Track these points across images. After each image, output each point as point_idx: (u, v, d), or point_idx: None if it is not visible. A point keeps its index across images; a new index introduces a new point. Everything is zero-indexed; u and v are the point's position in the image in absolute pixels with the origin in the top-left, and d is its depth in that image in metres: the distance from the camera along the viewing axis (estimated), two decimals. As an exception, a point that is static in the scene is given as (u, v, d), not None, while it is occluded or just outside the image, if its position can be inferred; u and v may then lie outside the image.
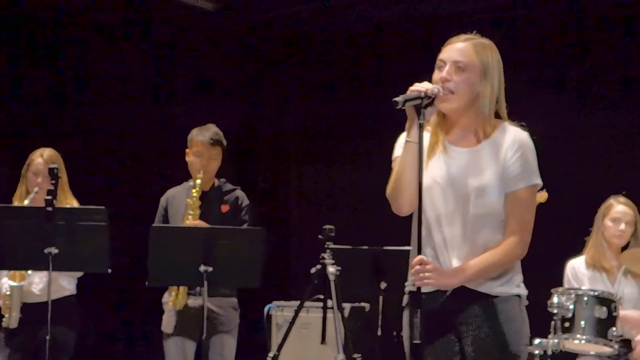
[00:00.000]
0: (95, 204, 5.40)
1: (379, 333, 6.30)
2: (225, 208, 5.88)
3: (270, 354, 5.77)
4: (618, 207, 6.15)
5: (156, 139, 8.27)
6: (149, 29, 8.35)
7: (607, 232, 6.15)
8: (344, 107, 8.80)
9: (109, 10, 7.96)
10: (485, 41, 3.75)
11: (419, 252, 3.56)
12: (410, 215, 3.70)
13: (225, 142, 5.92)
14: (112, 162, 8.10)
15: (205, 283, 5.23)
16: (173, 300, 5.72)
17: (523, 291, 3.73)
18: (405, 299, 3.77)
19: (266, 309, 7.18)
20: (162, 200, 5.97)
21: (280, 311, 7.17)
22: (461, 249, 3.64)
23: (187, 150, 5.91)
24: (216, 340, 5.72)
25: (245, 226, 5.79)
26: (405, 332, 3.73)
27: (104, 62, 8.11)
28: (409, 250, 3.78)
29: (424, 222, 3.63)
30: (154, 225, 5.74)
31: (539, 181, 3.69)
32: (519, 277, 3.72)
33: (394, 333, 6.05)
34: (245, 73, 9.02)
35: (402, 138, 3.71)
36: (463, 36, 3.74)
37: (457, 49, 3.69)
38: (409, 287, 3.73)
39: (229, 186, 5.96)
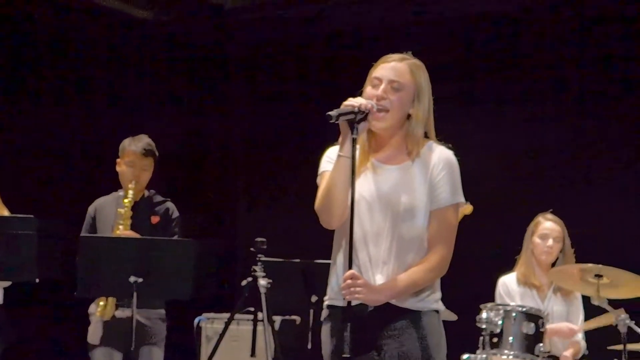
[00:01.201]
0: (26, 213, 5.32)
1: (309, 346, 6.29)
2: (155, 219, 5.84)
3: (199, 367, 5.74)
4: (545, 223, 6.23)
5: (88, 148, 8.18)
6: (85, 35, 8.26)
7: (535, 249, 6.22)
8: (290, 118, 8.79)
9: (49, 15, 7.86)
10: (418, 62, 3.81)
11: (350, 266, 3.57)
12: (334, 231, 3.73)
13: (157, 153, 5.89)
14: (43, 171, 7.99)
15: (135, 294, 5.18)
16: (101, 310, 5.65)
17: (441, 307, 3.80)
18: (324, 313, 3.80)
19: (196, 320, 7.13)
20: (90, 209, 5.90)
21: (210, 323, 7.13)
22: (386, 265, 3.67)
23: (118, 160, 5.86)
24: (143, 352, 5.66)
25: (175, 238, 5.75)
26: (325, 347, 3.76)
27: (39, 70, 8.00)
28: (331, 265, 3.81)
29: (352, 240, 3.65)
30: (81, 235, 5.67)
31: (462, 200, 3.77)
32: (437, 294, 3.78)
33: (324, 347, 6.05)
34: (191, 83, 8.97)
35: (329, 152, 3.75)
36: (398, 55, 3.79)
37: (393, 69, 3.73)
38: (328, 301, 3.76)
39: (159, 197, 5.93)
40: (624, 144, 7.64)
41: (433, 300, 3.75)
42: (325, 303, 3.82)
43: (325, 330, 3.79)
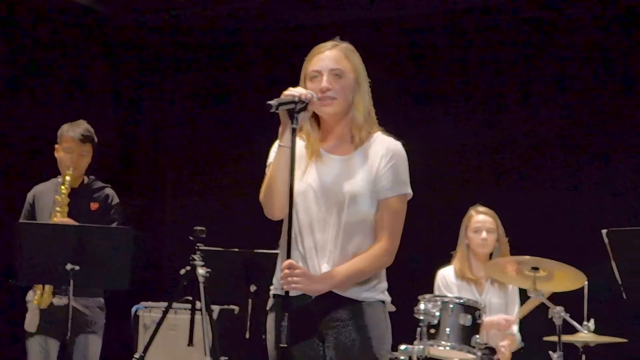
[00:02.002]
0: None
1: (247, 336, 6.28)
2: (94, 206, 5.79)
3: (136, 355, 5.69)
4: (478, 217, 6.28)
5: (26, 135, 8.08)
6: (23, 22, 8.15)
7: (471, 243, 6.27)
8: (219, 110, 8.77)
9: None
10: (350, 46, 3.80)
11: (288, 256, 3.56)
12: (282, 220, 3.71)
13: (96, 139, 5.83)
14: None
15: (71, 282, 5.13)
16: (38, 298, 5.60)
17: (387, 297, 3.78)
18: (270, 302, 3.79)
19: (134, 309, 7.08)
20: (29, 196, 5.84)
21: (147, 312, 7.08)
22: (332, 254, 3.66)
23: (56, 146, 5.80)
24: (81, 340, 5.63)
25: (114, 225, 5.71)
26: (270, 336, 3.74)
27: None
28: (278, 254, 3.79)
29: (296, 226, 3.66)
30: (19, 221, 5.61)
31: (409, 191, 3.76)
32: (383, 284, 3.77)
33: (263, 336, 6.01)
34: (123, 74, 8.89)
35: (277, 144, 3.72)
36: (329, 43, 3.78)
37: (330, 57, 3.73)
38: (274, 290, 3.75)
39: (98, 184, 5.87)
40: (556, 140, 7.73)
41: (379, 291, 3.74)
42: (271, 292, 3.79)
43: (270, 319, 3.77)
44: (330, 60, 3.71)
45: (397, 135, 3.80)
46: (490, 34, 7.95)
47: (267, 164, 3.77)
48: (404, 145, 3.77)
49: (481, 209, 6.32)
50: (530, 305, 6.11)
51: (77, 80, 8.55)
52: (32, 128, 7.99)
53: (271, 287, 3.80)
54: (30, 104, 8.15)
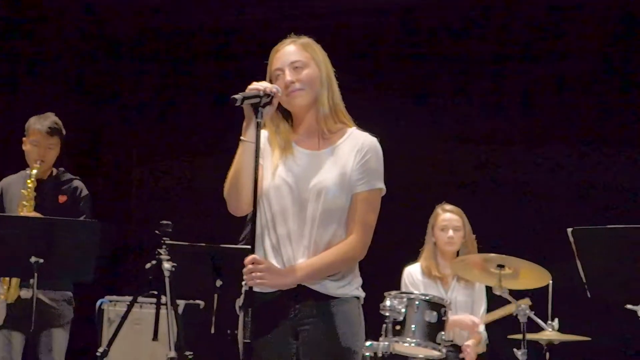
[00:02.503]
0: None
1: (213, 331, 6.27)
2: (62, 198, 5.77)
3: (100, 349, 5.68)
4: (444, 215, 6.30)
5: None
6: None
7: (438, 241, 6.29)
8: (185, 104, 8.73)
9: None
10: (309, 39, 3.81)
11: (253, 250, 3.55)
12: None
13: (64, 132, 5.80)
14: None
15: (36, 275, 5.09)
16: (5, 292, 5.57)
17: (361, 293, 3.76)
18: (241, 297, 3.76)
19: (98, 303, 7.04)
20: (-3, 187, 5.82)
21: (112, 306, 7.05)
22: (305, 243, 3.64)
23: (24, 138, 5.77)
24: (47, 334, 5.61)
25: (83, 218, 5.68)
26: (240, 332, 3.72)
27: None
28: (245, 249, 3.77)
29: (269, 216, 3.65)
30: (-14, 213, 5.59)
31: (382, 186, 3.74)
32: (358, 280, 3.75)
33: (228, 331, 6.03)
34: (88, 65, 8.83)
35: None
36: (287, 40, 3.79)
37: (289, 52, 3.74)
38: (245, 285, 3.73)
39: (67, 176, 5.85)
40: (521, 137, 7.76)
41: (353, 287, 3.72)
42: (244, 288, 3.76)
43: (241, 315, 3.74)
44: (289, 54, 3.72)
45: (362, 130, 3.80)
46: (457, 27, 7.96)
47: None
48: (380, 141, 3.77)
49: (448, 207, 6.34)
50: (503, 312, 6.10)
51: (42, 72, 8.50)
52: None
53: (243, 283, 3.78)
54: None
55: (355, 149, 3.70)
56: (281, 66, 3.71)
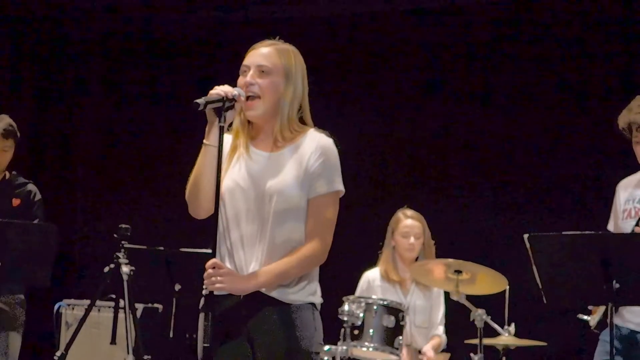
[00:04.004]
0: None
1: (171, 335, 6.25)
2: (16, 202, 5.72)
3: (58, 353, 5.65)
4: (406, 221, 6.30)
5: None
6: None
7: (398, 246, 6.30)
8: (139, 104, 8.67)
9: None
10: (289, 47, 3.79)
11: (214, 254, 3.55)
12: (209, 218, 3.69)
13: (18, 134, 5.76)
14: None
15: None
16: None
17: (318, 299, 3.73)
18: (202, 302, 3.76)
19: (56, 306, 7.00)
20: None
21: (70, 309, 7.00)
22: (258, 247, 3.62)
23: (-23, 141, 5.72)
24: (3, 337, 5.56)
25: (36, 221, 5.64)
26: (200, 336, 3.71)
27: None
28: (204, 253, 3.77)
29: (224, 221, 3.65)
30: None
31: (341, 188, 3.72)
32: (314, 285, 3.73)
33: (186, 335, 6.02)
34: (32, 65, 8.75)
35: None
36: (267, 42, 3.78)
37: (261, 54, 3.72)
38: (205, 290, 3.72)
39: (21, 179, 5.81)
40: (478, 141, 7.81)
41: (308, 293, 3.69)
42: (204, 292, 3.75)
43: (200, 319, 3.73)
44: (261, 56, 3.71)
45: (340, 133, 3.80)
46: (412, 33, 8.00)
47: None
48: (335, 143, 3.74)
49: (409, 212, 6.34)
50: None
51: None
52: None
53: (203, 287, 3.77)
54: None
55: (310, 150, 3.68)
56: (249, 64, 3.71)
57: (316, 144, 3.69)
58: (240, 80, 3.70)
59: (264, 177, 3.66)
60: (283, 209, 3.62)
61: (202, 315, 3.69)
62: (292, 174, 3.66)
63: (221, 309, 3.57)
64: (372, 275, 6.32)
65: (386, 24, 8.06)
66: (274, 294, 3.63)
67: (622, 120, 4.64)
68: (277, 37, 3.81)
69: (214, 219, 3.54)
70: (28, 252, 5.13)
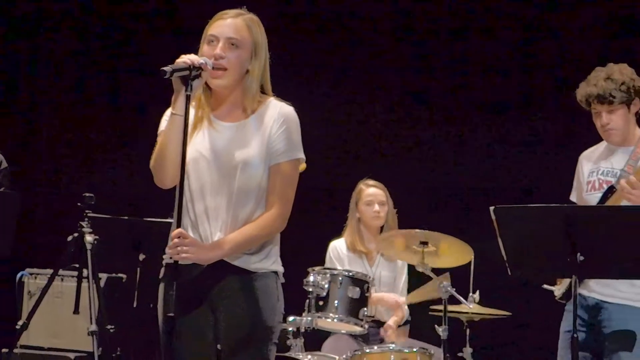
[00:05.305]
0: None
1: (135, 305, 6.23)
2: (-19, 170, 5.67)
3: (20, 322, 5.61)
4: (369, 190, 6.33)
5: None
6: None
7: (363, 216, 6.31)
8: (103, 73, 8.58)
9: None
10: (254, 17, 3.78)
11: (179, 225, 3.53)
12: (174, 188, 3.67)
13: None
14: None
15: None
16: None
17: (280, 268, 3.77)
18: (162, 271, 3.75)
19: (18, 275, 6.94)
20: None
21: (33, 278, 6.95)
22: (223, 219, 3.64)
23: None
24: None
25: (1, 189, 5.59)
26: (161, 306, 3.71)
27: None
28: (168, 222, 3.76)
29: (188, 193, 3.64)
30: None
31: (301, 156, 3.75)
32: (276, 254, 3.77)
33: (150, 305, 5.97)
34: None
35: (169, 111, 3.69)
36: (234, 11, 3.76)
37: (230, 25, 3.70)
38: (166, 259, 3.71)
39: (-14, 148, 5.75)
40: (441, 115, 7.83)
41: (271, 261, 3.73)
42: (165, 261, 3.75)
43: (162, 288, 3.73)
44: (230, 28, 3.69)
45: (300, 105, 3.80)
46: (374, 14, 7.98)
47: (159, 132, 3.73)
48: (296, 110, 3.76)
49: (371, 182, 6.37)
50: (428, 294, 6.11)
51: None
52: None
53: (164, 256, 3.77)
54: None
55: (273, 118, 3.70)
56: (217, 35, 3.68)
57: (278, 112, 3.72)
58: (207, 49, 3.68)
59: (229, 149, 3.67)
60: (247, 186, 3.64)
61: (162, 285, 3.70)
62: (256, 144, 3.68)
63: (185, 278, 3.56)
64: (338, 245, 6.33)
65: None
66: (237, 262, 3.66)
67: (580, 92, 4.66)
68: (244, 7, 3.78)
69: (179, 188, 3.52)
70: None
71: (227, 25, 3.70)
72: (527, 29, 7.60)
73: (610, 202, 4.48)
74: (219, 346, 3.69)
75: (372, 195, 6.30)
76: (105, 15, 8.56)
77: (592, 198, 4.63)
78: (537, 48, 7.57)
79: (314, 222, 6.92)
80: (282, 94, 3.81)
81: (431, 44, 7.87)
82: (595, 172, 4.69)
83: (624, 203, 4.42)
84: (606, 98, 4.56)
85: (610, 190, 4.51)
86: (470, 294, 5.76)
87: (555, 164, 7.04)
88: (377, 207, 6.27)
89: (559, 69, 7.35)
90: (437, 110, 7.84)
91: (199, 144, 3.68)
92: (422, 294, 6.02)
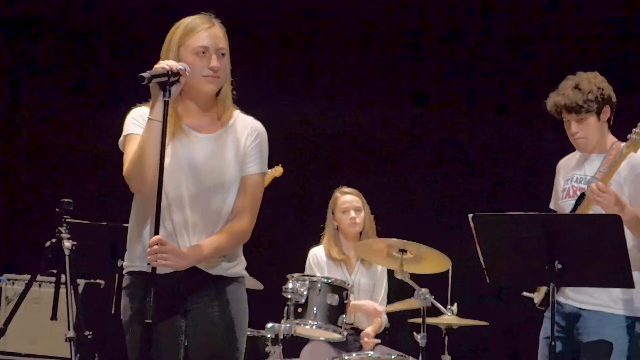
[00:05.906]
0: None
1: (113, 311, 6.21)
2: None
3: (-3, 328, 5.58)
4: (344, 197, 6.33)
5: None
6: None
7: (340, 224, 6.31)
8: (86, 71, 8.55)
9: None
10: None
11: (157, 231, 3.53)
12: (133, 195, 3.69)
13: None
14: None
15: None
16: None
17: (246, 273, 3.85)
18: (126, 279, 3.76)
19: (-5, 281, 6.92)
20: None
21: (10, 284, 6.92)
22: (203, 232, 3.67)
23: None
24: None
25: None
26: (125, 313, 3.73)
27: None
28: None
29: (165, 202, 3.63)
30: None
31: (267, 170, 3.85)
32: (242, 260, 3.83)
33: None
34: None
35: (134, 114, 3.71)
36: (212, 19, 3.77)
37: (217, 36, 3.73)
38: (132, 267, 3.74)
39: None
40: (416, 125, 7.85)
41: (242, 267, 3.80)
42: (126, 270, 3.77)
43: (125, 296, 3.73)
44: (218, 38, 3.72)
45: (257, 117, 3.85)
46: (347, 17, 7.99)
47: (123, 134, 3.73)
48: (271, 121, 3.83)
49: (346, 189, 6.38)
50: (406, 305, 6.12)
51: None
52: None
53: (124, 265, 3.79)
54: None
55: (246, 132, 3.76)
56: (208, 46, 3.69)
57: (250, 126, 3.79)
58: (199, 62, 3.66)
59: (208, 161, 3.70)
60: (228, 204, 3.70)
61: (125, 293, 3.72)
62: (232, 158, 3.72)
63: (161, 285, 3.56)
64: (318, 252, 6.33)
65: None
66: (212, 268, 3.70)
67: (549, 102, 4.67)
68: (212, 14, 3.78)
69: (157, 196, 3.51)
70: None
71: (214, 35, 3.72)
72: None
73: (581, 209, 4.50)
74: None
75: (347, 202, 6.31)
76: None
77: (567, 205, 4.65)
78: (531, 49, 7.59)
79: (294, 230, 6.91)
80: (263, 102, 3.83)
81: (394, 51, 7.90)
82: (570, 180, 4.71)
83: (594, 208, 4.45)
84: (574, 107, 4.56)
85: (582, 197, 4.53)
86: (449, 305, 5.77)
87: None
88: (353, 213, 6.27)
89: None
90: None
91: (176, 153, 3.68)
92: (401, 304, 6.04)
